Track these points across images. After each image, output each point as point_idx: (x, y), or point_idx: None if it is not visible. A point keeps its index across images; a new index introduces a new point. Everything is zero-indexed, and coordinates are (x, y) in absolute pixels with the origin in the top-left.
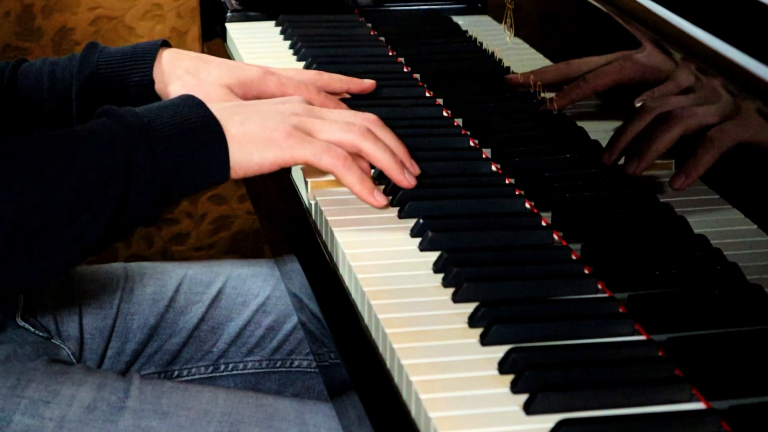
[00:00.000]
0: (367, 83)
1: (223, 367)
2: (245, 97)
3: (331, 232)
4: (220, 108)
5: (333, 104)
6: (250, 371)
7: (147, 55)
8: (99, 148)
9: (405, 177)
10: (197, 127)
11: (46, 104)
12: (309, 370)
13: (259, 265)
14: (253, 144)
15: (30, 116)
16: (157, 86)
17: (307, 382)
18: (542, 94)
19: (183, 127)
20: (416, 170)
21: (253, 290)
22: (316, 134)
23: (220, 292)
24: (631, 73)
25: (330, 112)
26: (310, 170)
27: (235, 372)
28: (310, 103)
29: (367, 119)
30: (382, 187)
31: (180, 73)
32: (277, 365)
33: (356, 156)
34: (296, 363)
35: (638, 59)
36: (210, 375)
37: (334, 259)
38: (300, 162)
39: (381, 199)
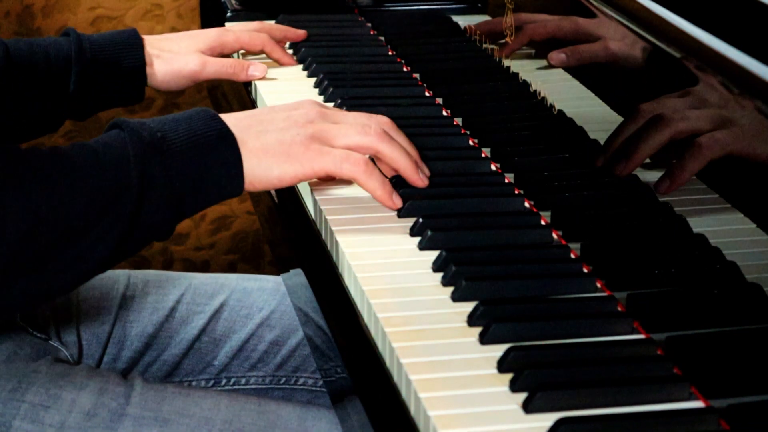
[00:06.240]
0: (300, 32)
1: (224, 381)
2: (213, 56)
3: (331, 231)
4: (236, 120)
5: (280, 51)
6: (253, 386)
7: (135, 41)
8: (112, 163)
9: (420, 177)
10: (211, 141)
11: (43, 83)
12: (314, 388)
13: (266, 280)
14: (272, 157)
15: (29, 91)
16: (147, 68)
17: (312, 401)
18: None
19: (197, 141)
20: (427, 171)
21: (258, 304)
22: (333, 140)
23: (223, 304)
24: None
25: (344, 116)
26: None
27: (237, 387)
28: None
29: (382, 122)
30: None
31: (157, 52)
32: (281, 381)
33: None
34: (301, 380)
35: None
36: (211, 388)
37: (334, 259)
38: (321, 174)
39: (399, 202)
